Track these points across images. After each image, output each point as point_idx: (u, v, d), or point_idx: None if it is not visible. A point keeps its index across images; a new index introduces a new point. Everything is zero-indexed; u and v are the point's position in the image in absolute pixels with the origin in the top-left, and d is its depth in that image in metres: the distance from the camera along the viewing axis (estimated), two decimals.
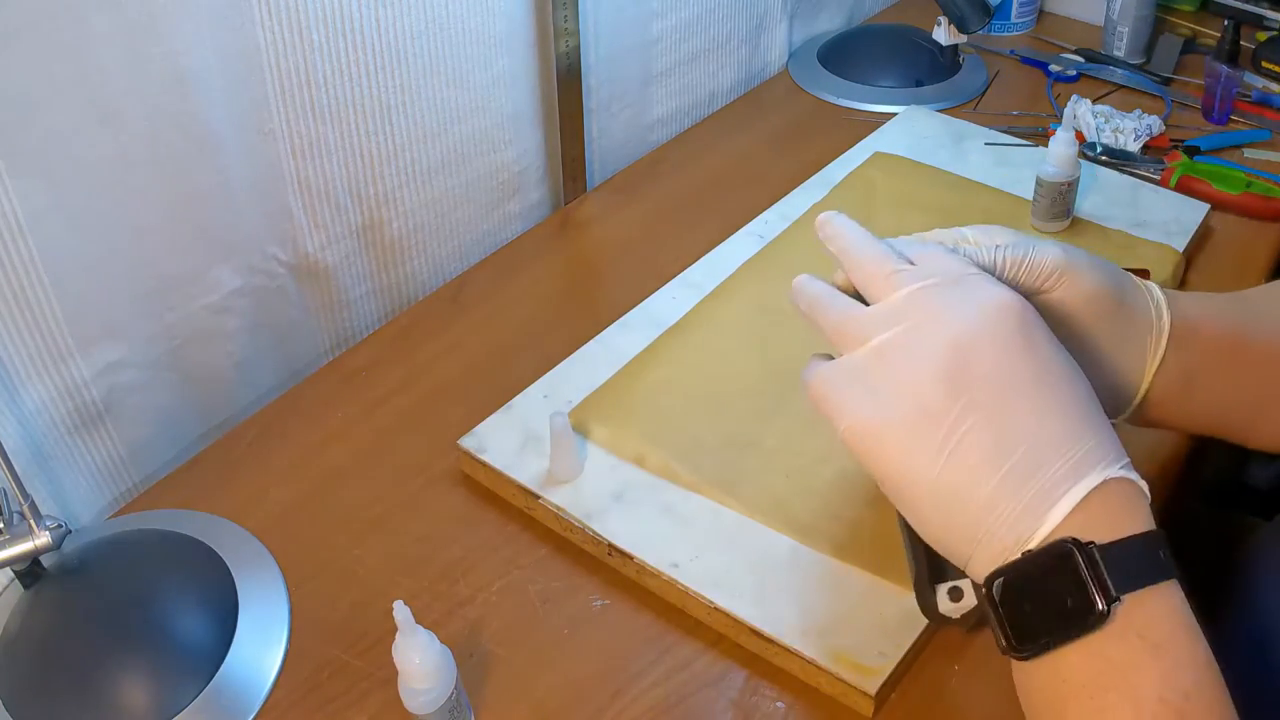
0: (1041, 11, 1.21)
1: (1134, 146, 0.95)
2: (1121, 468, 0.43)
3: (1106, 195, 0.87)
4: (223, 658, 0.57)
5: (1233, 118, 1.00)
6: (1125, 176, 0.91)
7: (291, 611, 0.60)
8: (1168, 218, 0.84)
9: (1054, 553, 0.41)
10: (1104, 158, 0.94)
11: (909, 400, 0.44)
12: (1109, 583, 0.40)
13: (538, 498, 0.63)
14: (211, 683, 0.56)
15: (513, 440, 0.66)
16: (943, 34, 1.06)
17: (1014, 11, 1.17)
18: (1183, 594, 0.42)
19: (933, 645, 0.57)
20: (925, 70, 1.08)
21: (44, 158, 0.58)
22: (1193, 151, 0.94)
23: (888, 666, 0.54)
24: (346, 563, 0.62)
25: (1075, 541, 0.41)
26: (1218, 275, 0.81)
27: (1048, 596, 0.41)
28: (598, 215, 0.92)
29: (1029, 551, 0.41)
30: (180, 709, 0.54)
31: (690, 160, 0.98)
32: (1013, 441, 0.42)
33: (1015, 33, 1.18)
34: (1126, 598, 0.40)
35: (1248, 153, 0.95)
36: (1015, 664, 0.43)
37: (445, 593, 0.60)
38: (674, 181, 0.95)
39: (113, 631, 0.57)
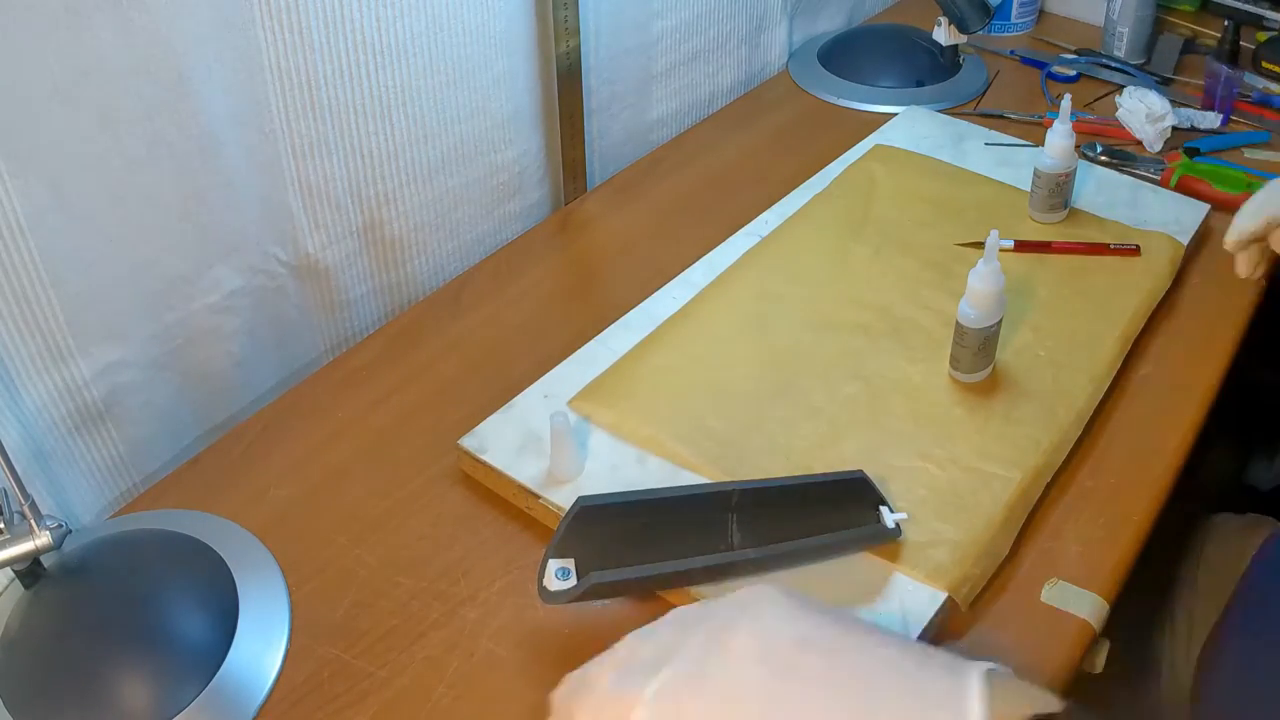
0: (1041, 12, 1.21)
1: (1158, 145, 0.95)
2: (984, 661, 0.41)
3: (1107, 195, 0.88)
4: (223, 657, 0.57)
5: (1233, 118, 1.00)
6: (1125, 177, 0.91)
7: (292, 611, 0.60)
8: (1168, 218, 0.84)
9: None
10: (1104, 158, 0.94)
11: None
12: None
13: (538, 497, 0.63)
14: (212, 682, 0.56)
15: (513, 440, 0.66)
16: (943, 34, 1.06)
17: (1014, 12, 1.17)
18: None
19: (934, 644, 0.57)
20: (925, 70, 1.08)
21: (45, 158, 0.58)
22: (1193, 152, 0.94)
23: None
24: (347, 562, 0.63)
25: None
26: (1218, 275, 0.81)
27: None
28: (598, 215, 0.92)
29: None
30: (181, 708, 0.55)
31: (690, 160, 0.98)
32: (876, 682, 0.40)
33: (1015, 33, 1.19)
34: None
35: (1248, 153, 0.96)
36: None
37: (445, 592, 0.61)
38: (674, 182, 0.95)
39: (113, 631, 0.57)
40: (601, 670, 0.44)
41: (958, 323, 0.67)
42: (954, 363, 0.69)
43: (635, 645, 0.45)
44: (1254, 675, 0.57)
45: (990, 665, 0.40)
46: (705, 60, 1.05)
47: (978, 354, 0.67)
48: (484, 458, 0.65)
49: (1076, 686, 0.56)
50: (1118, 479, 0.65)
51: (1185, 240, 0.82)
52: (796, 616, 0.43)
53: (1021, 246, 0.81)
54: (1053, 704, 0.39)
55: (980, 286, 0.65)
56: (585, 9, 0.87)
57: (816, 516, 0.59)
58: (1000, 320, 0.67)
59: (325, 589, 0.61)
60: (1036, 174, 0.83)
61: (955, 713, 0.38)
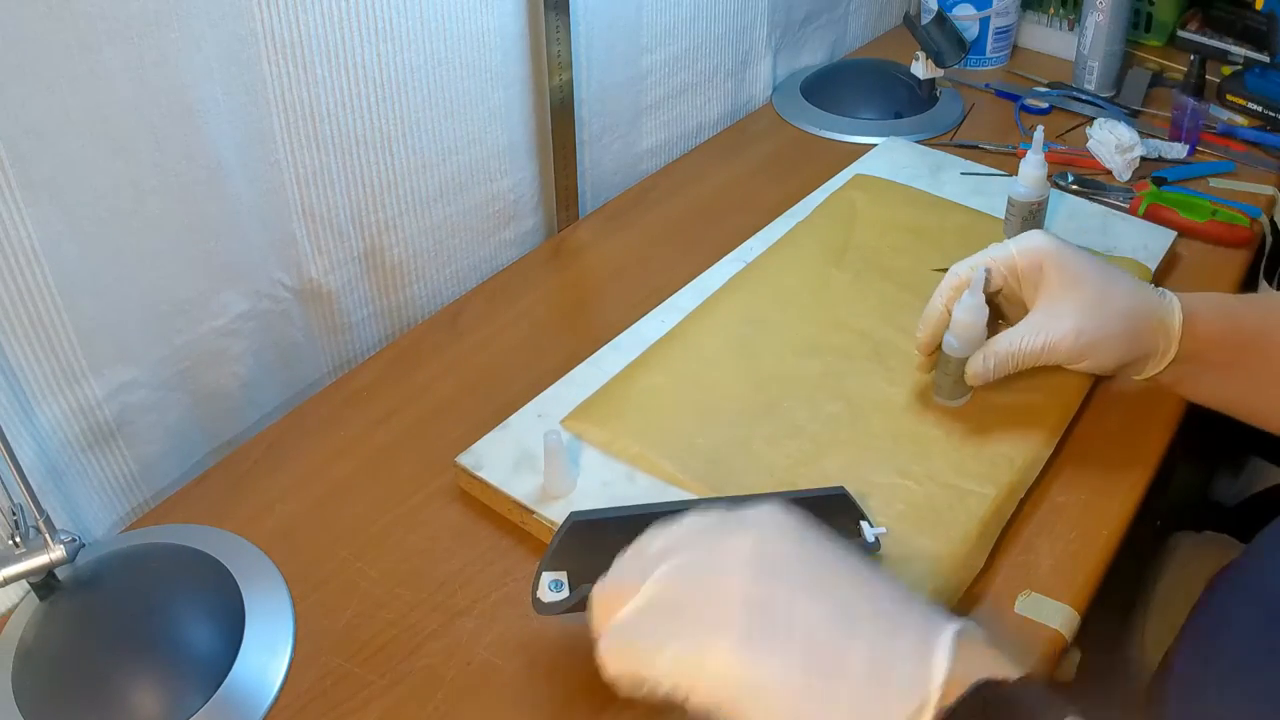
0: (1015, 47, 1.24)
1: (1126, 174, 0.98)
2: (956, 632, 0.40)
3: (1077, 222, 0.90)
4: (230, 666, 0.58)
5: (1199, 148, 1.02)
6: (1096, 205, 0.93)
7: (296, 622, 0.61)
8: (1137, 244, 0.86)
9: (978, 702, 0.37)
10: (1075, 187, 0.97)
11: (725, 606, 0.39)
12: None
13: (532, 512, 0.64)
14: (219, 691, 0.57)
15: (508, 457, 0.68)
16: (920, 69, 1.09)
17: (989, 47, 1.20)
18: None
19: None
20: (904, 103, 1.11)
21: (58, 186, 0.59)
22: (1160, 181, 0.96)
23: None
24: (349, 575, 0.63)
25: (989, 682, 0.37)
26: None
27: None
28: (589, 242, 0.93)
29: (946, 710, 0.37)
30: (189, 716, 0.56)
31: (678, 189, 1.00)
32: (855, 609, 0.39)
33: (990, 67, 1.21)
34: None
35: (1213, 182, 0.98)
36: None
37: (443, 604, 0.61)
38: (663, 210, 0.97)
39: (124, 641, 0.58)
40: (620, 560, 0.46)
41: (942, 352, 0.68)
42: (937, 390, 0.71)
43: (649, 539, 0.46)
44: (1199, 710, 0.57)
45: (962, 625, 0.40)
46: (693, 93, 1.06)
47: (959, 381, 0.69)
48: (480, 474, 0.67)
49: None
50: (1089, 495, 0.67)
51: (1153, 265, 0.84)
52: (797, 535, 0.43)
53: None
54: (1013, 671, 0.38)
55: (965, 318, 0.67)
56: (577, 44, 0.89)
57: None
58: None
59: (328, 600, 0.62)
60: (1010, 202, 0.85)
61: (919, 665, 0.38)
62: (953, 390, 0.70)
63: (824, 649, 0.39)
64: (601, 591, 0.45)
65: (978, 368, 0.66)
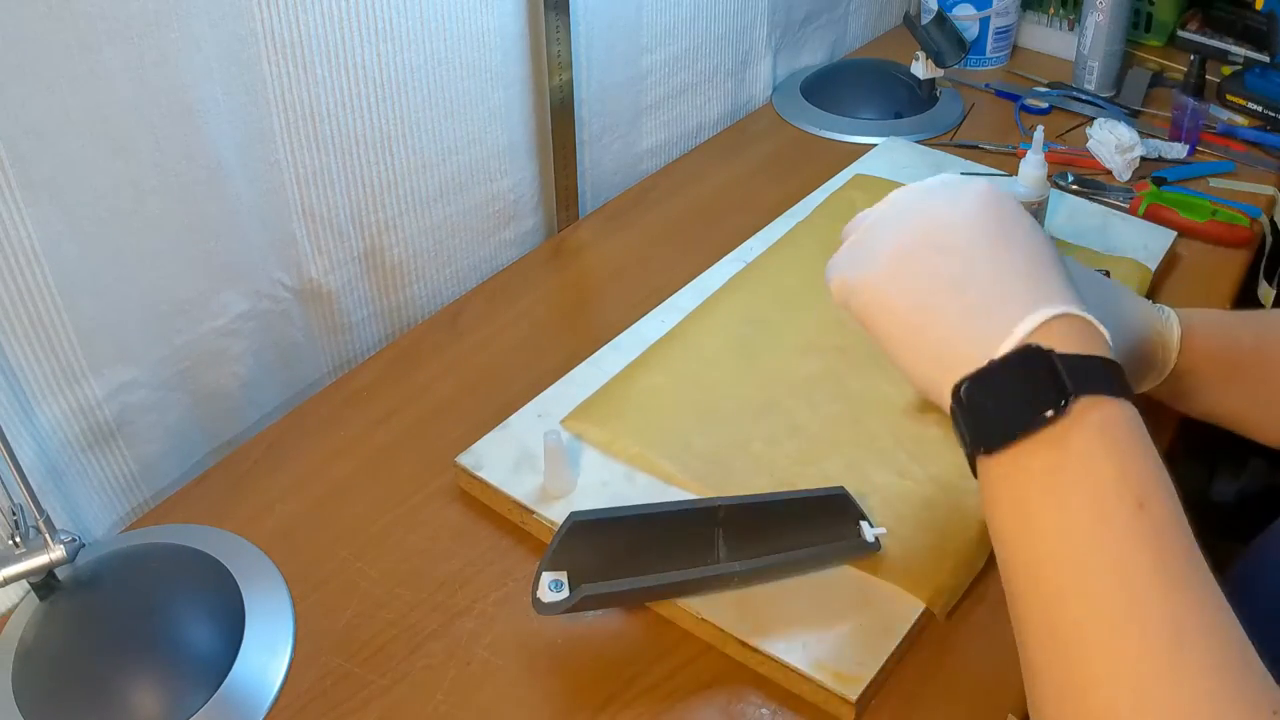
0: (1015, 47, 1.24)
1: (1126, 174, 0.98)
2: (1082, 310, 0.44)
3: (1077, 222, 0.90)
4: (230, 666, 0.58)
5: (1199, 148, 1.03)
6: (1096, 205, 0.93)
7: (296, 621, 0.61)
8: (1137, 244, 0.87)
9: (1017, 356, 0.42)
10: (1075, 187, 0.97)
11: (886, 252, 0.48)
12: (1067, 381, 0.41)
13: (532, 512, 0.65)
14: (219, 691, 0.57)
15: (508, 457, 0.68)
16: (920, 69, 1.09)
17: (989, 47, 1.20)
18: (1142, 422, 0.42)
19: (913, 653, 0.59)
20: (904, 103, 1.11)
21: (58, 186, 0.59)
22: (1160, 181, 0.96)
23: (868, 674, 0.55)
24: (349, 575, 0.64)
25: (1037, 347, 0.42)
26: (1184, 299, 0.83)
27: (1011, 394, 0.42)
28: (589, 242, 0.94)
29: (994, 359, 0.43)
30: (189, 715, 0.56)
31: (678, 189, 1.00)
32: (977, 276, 0.45)
33: (990, 67, 1.22)
34: (1085, 399, 0.41)
35: (1213, 182, 0.98)
36: (981, 473, 0.44)
37: (443, 603, 0.62)
38: (663, 210, 0.97)
39: (124, 641, 0.58)
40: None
41: None
42: None
43: (859, 221, 0.52)
44: None
45: (1066, 310, 0.43)
46: (693, 93, 1.07)
47: None
48: (480, 474, 0.67)
49: None
50: None
51: (1153, 265, 0.84)
52: (980, 209, 0.47)
53: None
54: (1092, 350, 0.43)
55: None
56: (577, 44, 0.90)
57: (799, 531, 0.60)
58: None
59: (328, 600, 0.62)
60: None
61: (997, 327, 0.43)
62: None
63: (936, 297, 0.46)
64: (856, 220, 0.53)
65: None
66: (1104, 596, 0.39)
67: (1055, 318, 0.43)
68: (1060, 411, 0.41)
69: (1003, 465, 0.43)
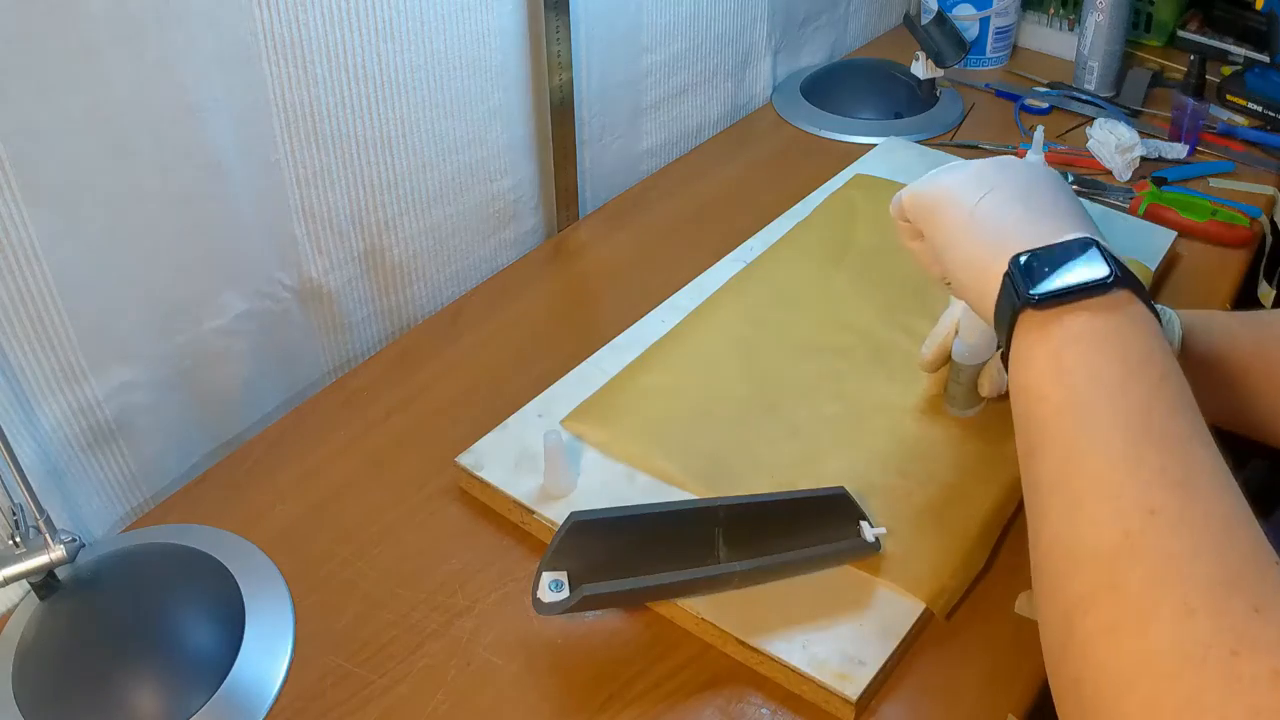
0: (1015, 47, 1.24)
1: (1126, 174, 0.98)
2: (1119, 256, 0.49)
3: None
4: (230, 666, 0.58)
5: (1199, 148, 1.03)
6: (1096, 205, 0.93)
7: (296, 621, 0.61)
8: (1137, 244, 0.87)
9: (1078, 243, 0.48)
10: (1075, 187, 0.97)
11: (960, 169, 0.55)
12: (1118, 270, 0.46)
13: (532, 512, 0.65)
14: (219, 691, 0.57)
15: (508, 457, 0.68)
16: (920, 68, 1.09)
17: (989, 47, 1.20)
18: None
19: (913, 653, 0.59)
20: (904, 103, 1.11)
21: (59, 187, 0.59)
22: (1160, 181, 0.97)
23: (868, 674, 0.55)
24: (349, 575, 0.64)
25: (1095, 240, 0.48)
26: (1184, 299, 0.84)
27: (1068, 266, 0.47)
28: (589, 242, 0.94)
29: (1056, 241, 0.48)
30: (189, 715, 0.56)
31: (678, 189, 1.00)
32: (1039, 196, 0.52)
33: (990, 67, 1.22)
34: (1128, 291, 0.46)
35: (1213, 182, 0.98)
36: (1020, 327, 0.48)
37: (444, 604, 0.62)
38: (663, 210, 0.97)
39: (124, 641, 0.58)
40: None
41: (953, 361, 0.68)
42: (950, 402, 0.70)
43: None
44: None
45: (1088, 238, 0.48)
46: (693, 93, 1.07)
47: (971, 391, 0.68)
48: (480, 475, 0.67)
49: (1049, 693, 0.58)
50: None
51: (1153, 265, 0.84)
52: (1027, 178, 0.54)
53: None
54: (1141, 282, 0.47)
55: (974, 324, 0.66)
56: (577, 44, 0.90)
57: (800, 531, 0.60)
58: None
59: (328, 600, 0.62)
60: None
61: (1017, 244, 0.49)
62: (966, 400, 0.69)
63: (1002, 200, 0.52)
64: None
65: (994, 379, 0.67)
66: (1120, 441, 0.43)
67: (1101, 244, 0.48)
68: (1108, 289, 0.46)
69: (1044, 320, 0.47)
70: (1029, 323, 0.47)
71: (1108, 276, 0.46)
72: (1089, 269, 0.46)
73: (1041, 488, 0.45)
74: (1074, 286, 0.46)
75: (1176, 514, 0.40)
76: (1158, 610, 0.38)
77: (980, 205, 0.52)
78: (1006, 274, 0.48)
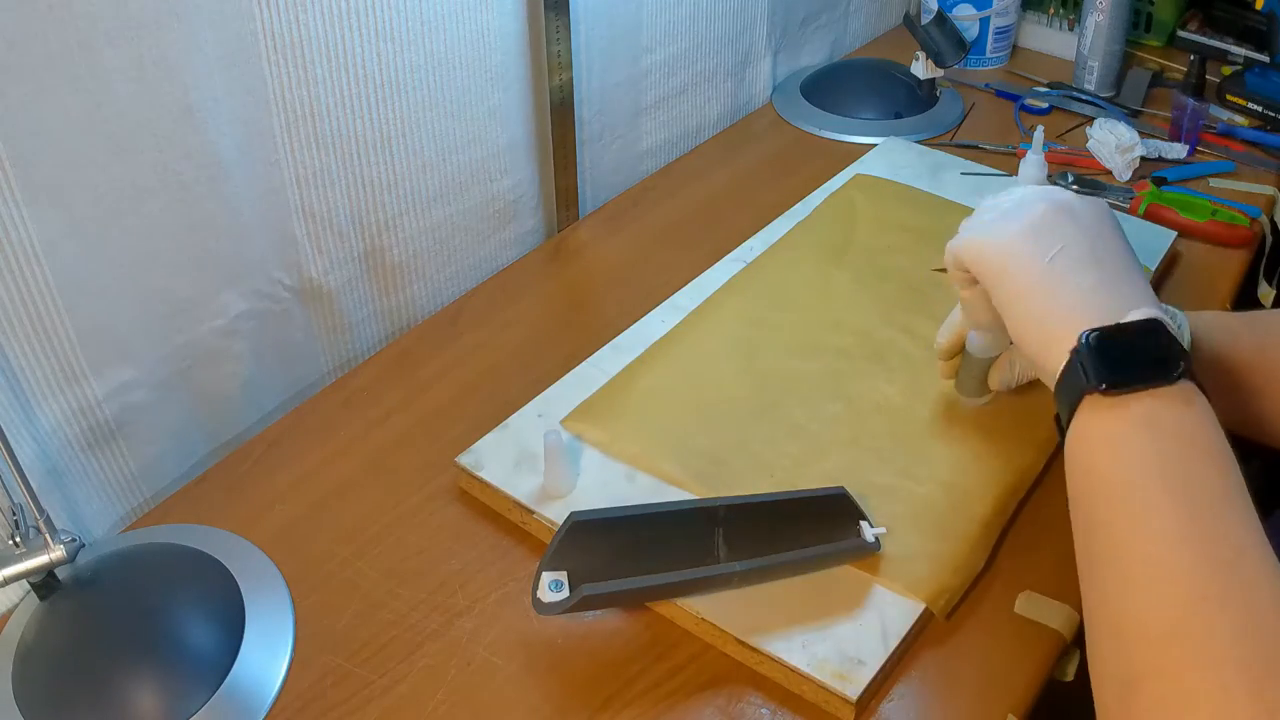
0: (1015, 47, 1.24)
1: (1126, 174, 0.98)
2: (1170, 318, 0.51)
3: None
4: (230, 666, 0.58)
5: (1199, 148, 1.03)
6: None
7: (296, 621, 0.61)
8: (1136, 244, 0.83)
9: (1145, 325, 0.49)
10: (1075, 187, 0.97)
11: (1023, 219, 0.54)
12: (1183, 361, 0.47)
13: (532, 512, 0.65)
14: (219, 690, 0.57)
15: (508, 457, 0.68)
16: (920, 68, 1.09)
17: (989, 47, 1.20)
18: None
19: (913, 653, 0.59)
20: (904, 103, 1.11)
21: (59, 187, 0.59)
22: (1160, 181, 0.97)
23: (868, 674, 0.55)
24: (349, 575, 0.64)
25: (1162, 323, 0.49)
26: (1184, 299, 0.83)
27: (1135, 351, 0.48)
28: (589, 242, 0.94)
29: (1124, 321, 0.49)
30: (189, 715, 0.56)
31: (678, 189, 1.00)
32: (1105, 257, 0.52)
33: (990, 67, 1.22)
34: (1191, 385, 0.48)
35: (1213, 182, 0.98)
36: (1084, 409, 0.49)
37: (444, 604, 0.62)
38: (663, 210, 0.97)
39: (124, 641, 0.58)
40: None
41: (965, 352, 0.68)
42: (961, 388, 0.70)
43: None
44: None
45: (1149, 311, 0.49)
46: (693, 93, 1.07)
47: (982, 381, 0.68)
48: (480, 474, 0.67)
49: (1049, 693, 0.58)
50: None
51: (1153, 265, 0.84)
52: (1086, 216, 0.54)
53: None
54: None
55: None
56: (577, 44, 0.90)
57: (800, 531, 0.60)
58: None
59: (328, 600, 0.62)
60: None
61: (1078, 319, 0.50)
62: (977, 389, 0.69)
63: (1070, 263, 0.52)
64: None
65: (1004, 375, 0.67)
66: (1175, 527, 0.44)
67: (1166, 325, 0.49)
68: (1177, 377, 0.47)
69: (1109, 405, 0.48)
70: (1093, 405, 0.48)
71: (1176, 372, 0.47)
72: (1157, 358, 0.48)
73: (1095, 562, 0.47)
74: (1148, 376, 0.47)
75: (1220, 598, 0.42)
76: (1200, 690, 0.40)
77: (1052, 266, 0.52)
78: (1075, 350, 0.49)
